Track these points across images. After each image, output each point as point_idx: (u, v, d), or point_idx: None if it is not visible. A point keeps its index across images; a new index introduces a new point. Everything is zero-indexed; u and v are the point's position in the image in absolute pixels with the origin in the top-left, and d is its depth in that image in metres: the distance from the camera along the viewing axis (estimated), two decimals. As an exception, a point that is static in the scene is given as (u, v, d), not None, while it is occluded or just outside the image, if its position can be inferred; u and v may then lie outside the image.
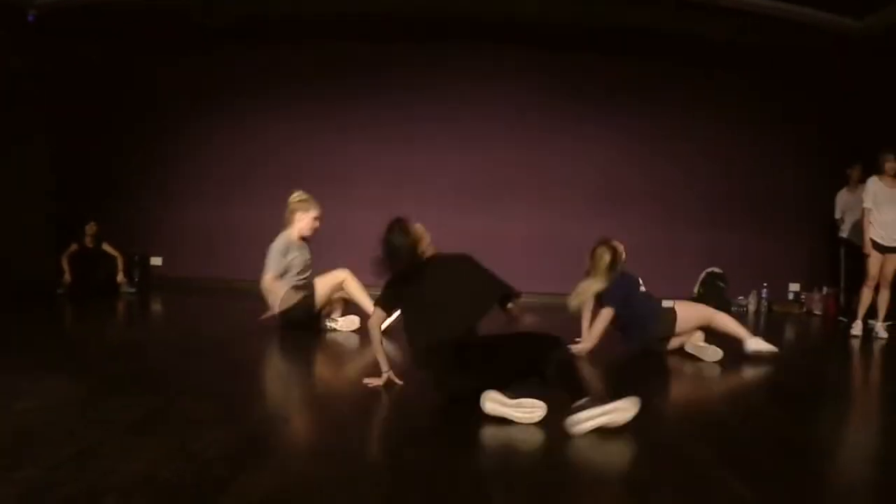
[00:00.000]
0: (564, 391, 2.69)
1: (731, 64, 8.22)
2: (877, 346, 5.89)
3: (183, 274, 8.13)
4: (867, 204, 6.26)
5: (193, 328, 5.51)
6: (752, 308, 8.30)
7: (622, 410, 2.61)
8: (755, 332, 4.85)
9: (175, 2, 7.36)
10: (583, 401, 2.60)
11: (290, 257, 4.99)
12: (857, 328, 6.35)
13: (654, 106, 8.33)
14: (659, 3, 7.03)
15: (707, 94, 8.41)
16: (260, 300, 5.18)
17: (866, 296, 6.36)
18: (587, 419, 2.55)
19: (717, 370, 4.37)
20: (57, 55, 7.49)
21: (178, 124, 8.29)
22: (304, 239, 5.14)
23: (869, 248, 6.25)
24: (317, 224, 5.11)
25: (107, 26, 7.74)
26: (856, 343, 6.03)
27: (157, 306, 6.99)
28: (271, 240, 5.02)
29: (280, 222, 5.13)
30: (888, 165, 6.23)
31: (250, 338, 4.87)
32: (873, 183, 6.28)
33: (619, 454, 2.51)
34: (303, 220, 5.06)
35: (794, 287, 8.56)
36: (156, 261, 8.24)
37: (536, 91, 8.23)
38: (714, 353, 4.54)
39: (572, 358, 3.02)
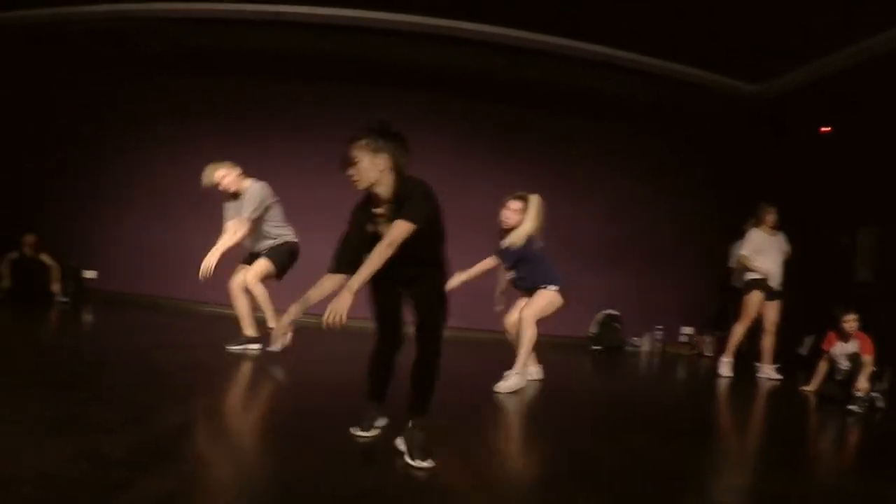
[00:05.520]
0: (412, 398, 2.85)
1: (640, 121, 8.70)
2: (766, 387, 6.32)
3: (115, 288, 8.29)
4: (745, 251, 6.74)
5: (117, 339, 5.66)
6: (645, 349, 8.62)
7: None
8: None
9: (114, 27, 7.53)
10: (414, 422, 2.80)
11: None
12: (725, 366, 6.65)
13: (560, 155, 8.70)
14: (571, 61, 7.45)
15: (615, 147, 8.82)
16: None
17: (738, 332, 6.73)
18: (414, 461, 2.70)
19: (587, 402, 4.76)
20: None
21: (118, 143, 8.46)
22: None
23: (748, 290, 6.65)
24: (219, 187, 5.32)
25: (44, 44, 7.96)
26: (725, 382, 6.41)
27: (86, 317, 7.15)
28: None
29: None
30: (768, 217, 6.76)
31: (169, 350, 5.05)
32: (755, 233, 6.78)
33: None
34: None
35: (687, 330, 8.95)
36: (90, 273, 8.37)
37: (449, 135, 8.42)
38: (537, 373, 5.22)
39: (435, 371, 2.90)
